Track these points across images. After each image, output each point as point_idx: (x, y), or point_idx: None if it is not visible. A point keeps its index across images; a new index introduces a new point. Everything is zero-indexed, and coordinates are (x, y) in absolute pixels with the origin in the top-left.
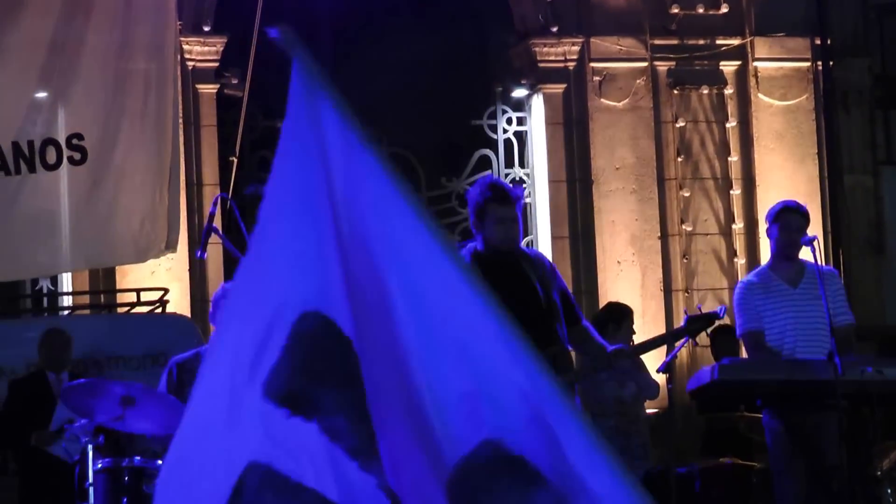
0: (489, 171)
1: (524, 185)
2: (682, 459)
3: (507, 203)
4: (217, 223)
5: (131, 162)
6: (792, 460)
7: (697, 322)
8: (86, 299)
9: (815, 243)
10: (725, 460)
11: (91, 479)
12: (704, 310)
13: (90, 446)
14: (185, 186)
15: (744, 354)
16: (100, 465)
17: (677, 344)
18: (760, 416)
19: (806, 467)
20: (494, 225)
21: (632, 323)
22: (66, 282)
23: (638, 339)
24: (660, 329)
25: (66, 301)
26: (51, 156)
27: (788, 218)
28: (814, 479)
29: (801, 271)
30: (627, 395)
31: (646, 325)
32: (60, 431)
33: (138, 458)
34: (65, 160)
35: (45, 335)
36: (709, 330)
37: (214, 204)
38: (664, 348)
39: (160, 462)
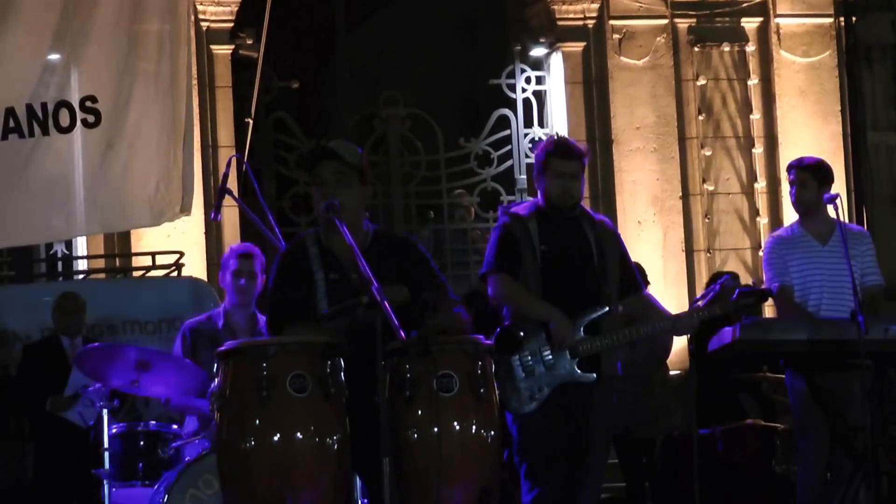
0: (507, 132)
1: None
2: (705, 421)
3: (568, 158)
4: (233, 185)
5: (145, 124)
6: (814, 421)
7: (749, 297)
8: (101, 263)
9: (838, 201)
10: (748, 422)
11: (106, 444)
12: (725, 270)
13: (105, 411)
14: (200, 148)
15: (767, 315)
16: (115, 430)
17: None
18: (783, 376)
19: (829, 428)
20: (554, 179)
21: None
22: (81, 246)
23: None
24: (681, 290)
25: (81, 265)
26: (64, 118)
27: (795, 175)
28: (837, 439)
29: (832, 229)
30: (639, 357)
31: (667, 287)
32: (76, 396)
33: (154, 422)
34: (78, 123)
35: (59, 300)
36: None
37: (228, 165)
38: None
39: (175, 426)
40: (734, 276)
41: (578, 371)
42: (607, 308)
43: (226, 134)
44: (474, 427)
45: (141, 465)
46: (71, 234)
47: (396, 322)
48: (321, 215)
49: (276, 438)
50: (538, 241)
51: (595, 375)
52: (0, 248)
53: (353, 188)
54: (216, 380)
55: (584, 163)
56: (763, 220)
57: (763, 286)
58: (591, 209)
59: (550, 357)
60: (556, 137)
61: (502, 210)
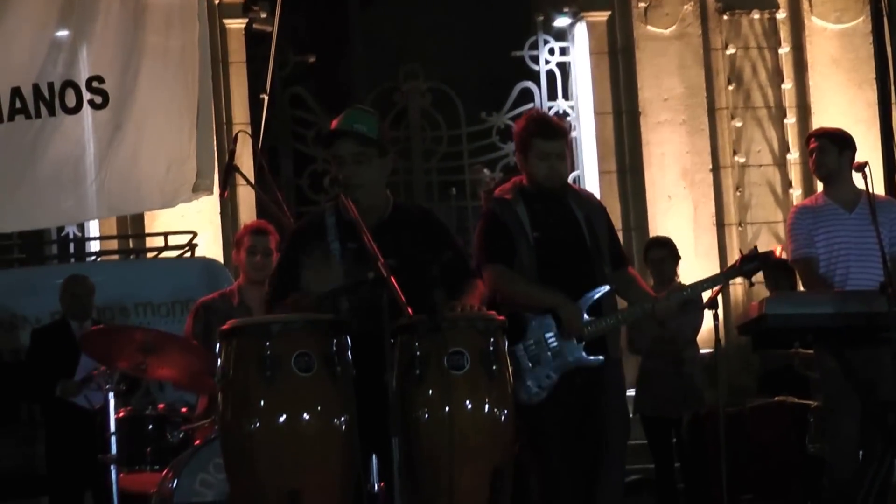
0: (531, 105)
1: (569, 118)
2: (739, 399)
3: (551, 138)
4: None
5: (155, 103)
6: (845, 396)
7: (751, 262)
8: (113, 244)
9: (867, 169)
10: (777, 399)
11: (112, 429)
12: (760, 246)
13: (111, 395)
14: (215, 126)
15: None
16: (122, 414)
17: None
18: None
19: (860, 404)
20: (538, 161)
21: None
22: (94, 227)
23: (690, 274)
24: (713, 265)
25: (93, 247)
26: (70, 99)
27: (812, 143)
28: (868, 415)
29: (858, 197)
30: (668, 335)
31: (698, 261)
32: (85, 381)
33: (162, 405)
34: (85, 104)
35: (67, 283)
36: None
37: (234, 140)
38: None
39: (184, 410)
40: (754, 250)
41: (585, 355)
42: (607, 288)
43: (240, 111)
44: (487, 405)
45: (149, 449)
46: (82, 217)
47: (404, 298)
48: (328, 190)
49: (281, 420)
50: (530, 227)
51: (602, 358)
52: (10, 231)
53: (372, 165)
54: (219, 360)
55: (568, 140)
56: (796, 192)
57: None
58: (619, 183)
59: (556, 343)
60: (534, 114)
61: (486, 195)
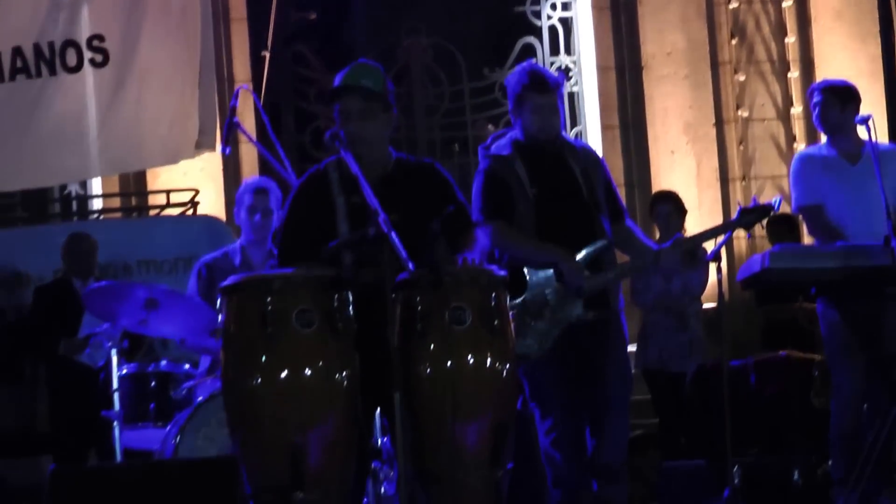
0: (533, 60)
1: (570, 74)
2: (743, 354)
3: (545, 91)
4: (249, 119)
5: (156, 61)
6: (849, 351)
7: (751, 214)
8: (116, 202)
9: (871, 122)
10: (782, 353)
11: (115, 386)
12: (762, 200)
13: (114, 352)
14: (216, 83)
15: (805, 241)
16: (125, 371)
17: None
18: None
19: (863, 358)
20: (532, 114)
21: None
22: (96, 185)
23: (694, 229)
24: (717, 220)
25: (96, 204)
26: (71, 58)
27: (815, 97)
28: (872, 369)
29: (862, 149)
30: (674, 289)
31: (702, 217)
32: (89, 338)
33: (164, 362)
34: (86, 63)
35: (69, 241)
36: (764, 221)
37: (235, 96)
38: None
39: (188, 366)
40: (754, 202)
41: (586, 310)
42: (606, 241)
43: (242, 69)
44: (489, 360)
45: (153, 406)
46: (84, 175)
47: (405, 253)
48: (327, 145)
49: (283, 376)
50: (527, 182)
51: (603, 312)
52: (12, 189)
53: (377, 120)
54: (220, 316)
55: (561, 93)
56: (800, 146)
57: (792, 205)
58: (622, 138)
59: (556, 298)
60: (528, 68)
61: (483, 151)
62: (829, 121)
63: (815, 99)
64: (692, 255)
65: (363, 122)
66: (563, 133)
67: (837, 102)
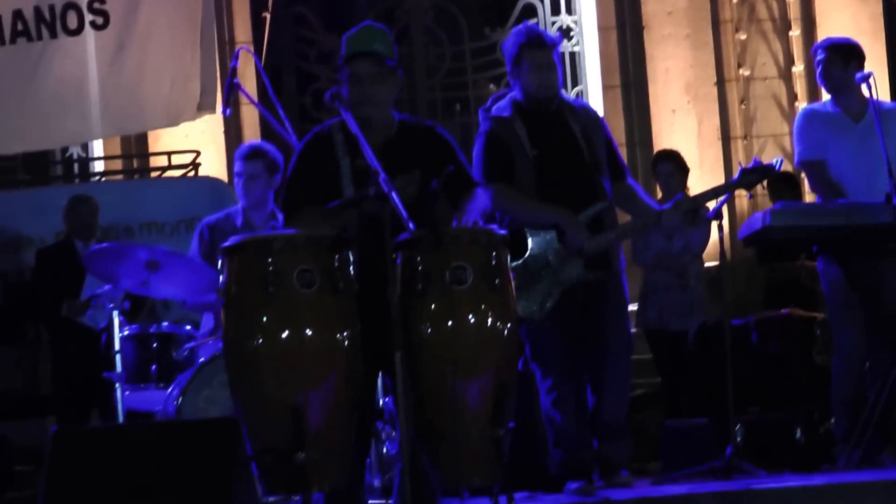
0: (534, 20)
1: (571, 34)
2: (744, 312)
3: (542, 48)
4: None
5: (157, 23)
6: (850, 308)
7: (752, 174)
8: (117, 164)
9: (872, 80)
10: (784, 311)
11: (117, 347)
12: (764, 158)
13: (116, 313)
14: (218, 46)
15: (806, 199)
16: (126, 332)
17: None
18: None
19: (865, 316)
20: (530, 72)
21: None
22: (98, 148)
23: (696, 188)
24: (719, 179)
25: (98, 167)
26: (72, 20)
27: (818, 55)
28: (873, 327)
29: (865, 107)
30: (675, 248)
31: (704, 176)
32: (91, 300)
33: (167, 323)
34: (87, 25)
35: (71, 203)
36: (765, 182)
37: (235, 58)
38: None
39: (188, 327)
40: (756, 163)
41: (587, 270)
42: (607, 201)
43: (243, 30)
44: (490, 320)
45: (154, 367)
46: (86, 137)
47: (406, 213)
48: (327, 105)
49: (284, 336)
50: (527, 144)
51: (604, 273)
52: (14, 152)
53: (386, 84)
54: (221, 277)
55: (558, 51)
56: (801, 105)
57: (795, 159)
58: (623, 98)
59: (557, 259)
60: (525, 27)
61: (483, 114)
62: (832, 78)
63: (819, 57)
64: (694, 214)
65: (374, 86)
66: (563, 93)
67: (840, 60)
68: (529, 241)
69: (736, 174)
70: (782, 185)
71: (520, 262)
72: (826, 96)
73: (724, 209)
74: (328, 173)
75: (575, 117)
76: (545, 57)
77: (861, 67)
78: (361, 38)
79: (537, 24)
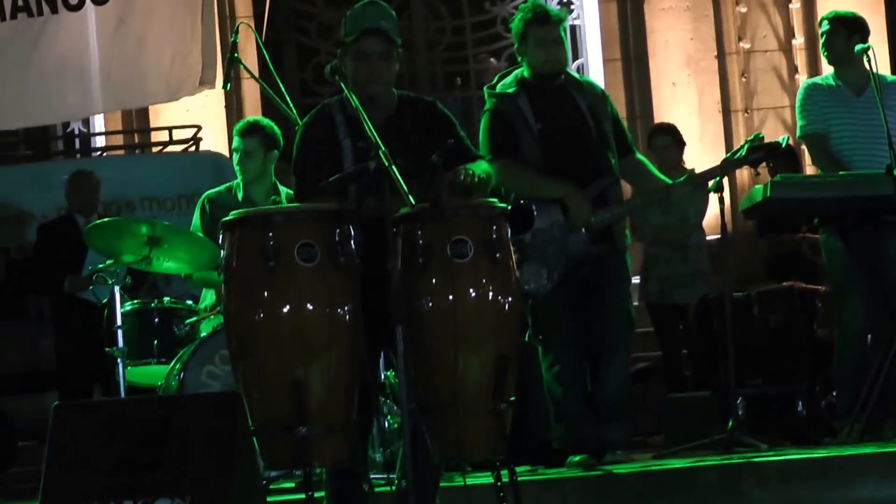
0: None
1: (572, 7)
2: (746, 285)
3: (548, 23)
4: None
5: None
6: (851, 279)
7: (758, 152)
8: (118, 139)
9: (870, 52)
10: (785, 284)
11: (119, 322)
12: (766, 132)
13: (117, 288)
14: (218, 20)
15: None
16: (128, 308)
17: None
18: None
19: (866, 286)
20: (536, 48)
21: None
22: (99, 123)
23: (696, 161)
24: (719, 151)
25: (99, 142)
26: None
27: (822, 27)
28: (875, 299)
29: (868, 81)
30: (672, 220)
31: (705, 148)
32: (92, 275)
33: (168, 298)
34: (87, 0)
35: (72, 178)
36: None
37: (235, 33)
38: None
39: (189, 302)
40: (759, 137)
41: (591, 245)
42: (612, 177)
43: (243, 4)
44: (491, 293)
45: (156, 342)
46: (87, 112)
47: (407, 188)
48: (328, 79)
49: (285, 310)
50: (532, 119)
51: (608, 248)
52: (15, 127)
53: (392, 62)
54: (222, 251)
55: (564, 26)
56: (802, 77)
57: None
58: (623, 71)
59: (562, 233)
60: (531, 4)
61: (488, 91)
62: (835, 51)
63: (823, 28)
64: (702, 188)
65: (382, 64)
66: (570, 70)
67: (843, 32)
68: (535, 214)
69: (741, 148)
70: (782, 159)
71: (525, 235)
72: (827, 70)
73: (725, 181)
74: (330, 154)
75: (581, 93)
76: (550, 32)
77: (865, 40)
78: (370, 15)
79: None
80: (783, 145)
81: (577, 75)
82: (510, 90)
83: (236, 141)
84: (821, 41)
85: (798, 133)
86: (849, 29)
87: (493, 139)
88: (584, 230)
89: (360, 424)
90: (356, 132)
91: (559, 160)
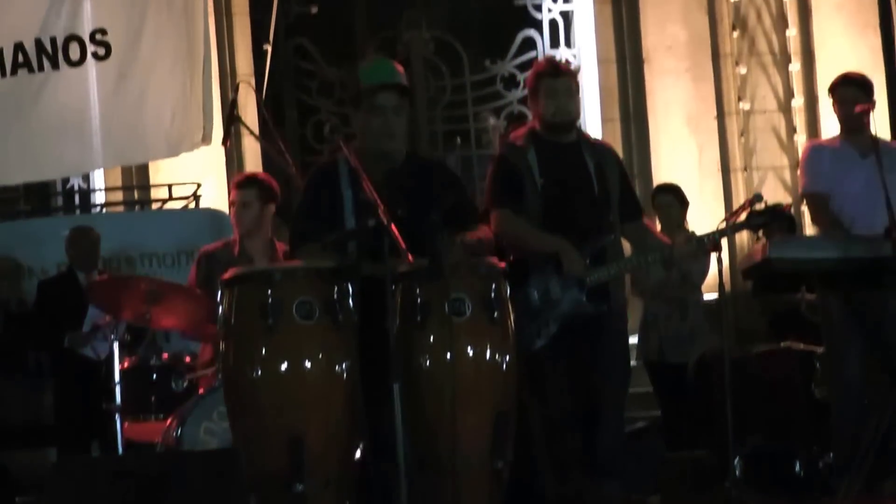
0: (534, 53)
1: (572, 66)
2: (745, 344)
3: (558, 75)
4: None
5: (159, 54)
6: (849, 339)
7: (760, 216)
8: (118, 195)
9: (872, 114)
10: (783, 344)
11: (117, 378)
12: (765, 191)
13: (116, 345)
14: (219, 77)
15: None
16: (126, 364)
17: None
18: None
19: (864, 346)
20: (547, 97)
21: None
22: (99, 178)
23: (696, 220)
24: (719, 211)
25: (99, 198)
26: (74, 52)
27: (843, 91)
28: (872, 359)
29: (871, 143)
30: (673, 278)
31: (704, 207)
32: (93, 331)
33: (166, 355)
34: (89, 56)
35: (72, 234)
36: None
37: (235, 91)
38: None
39: (188, 359)
40: (759, 197)
41: (587, 302)
42: (612, 235)
43: (244, 62)
44: (488, 351)
45: (154, 398)
46: (87, 167)
47: (405, 245)
48: (327, 138)
49: (283, 367)
50: (537, 172)
51: (603, 305)
52: (16, 182)
53: (404, 116)
54: (220, 308)
55: (576, 80)
56: (801, 138)
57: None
58: (622, 131)
59: (558, 290)
60: (543, 60)
61: (501, 140)
62: (846, 117)
63: (838, 90)
64: (702, 249)
65: (396, 118)
66: (583, 129)
67: (862, 96)
68: (532, 269)
69: (743, 214)
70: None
71: (522, 289)
72: (826, 130)
73: (724, 241)
74: (332, 205)
75: (591, 152)
76: (561, 84)
77: (874, 104)
78: (385, 70)
79: (536, 57)
80: (784, 210)
81: (589, 136)
82: (520, 142)
83: (232, 193)
84: (835, 104)
85: (801, 192)
86: (867, 92)
87: (497, 188)
88: (578, 287)
89: (359, 480)
90: (358, 184)
91: (559, 215)
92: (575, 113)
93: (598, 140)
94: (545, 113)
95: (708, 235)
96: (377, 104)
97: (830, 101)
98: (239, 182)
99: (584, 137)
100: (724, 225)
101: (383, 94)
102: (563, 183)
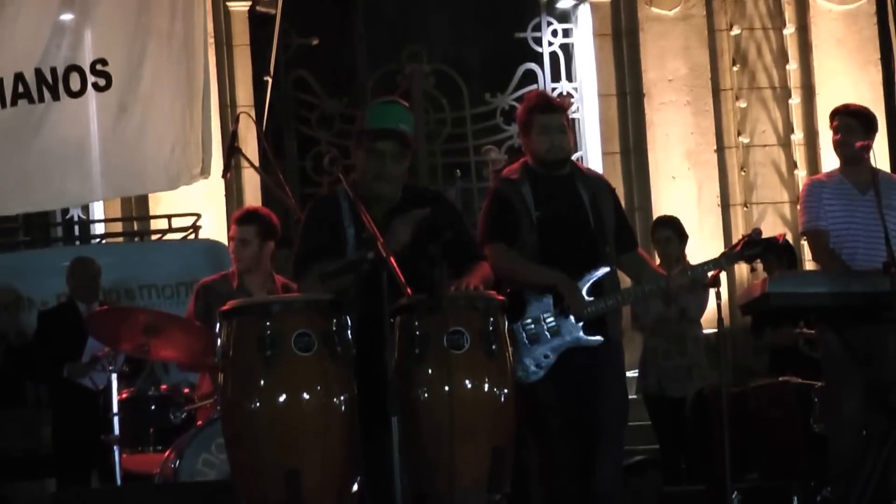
0: (535, 86)
1: (572, 100)
2: (743, 379)
3: (551, 111)
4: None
5: (159, 86)
6: (847, 375)
7: (755, 247)
8: (118, 227)
9: (867, 148)
10: (781, 379)
11: (115, 409)
12: (765, 227)
13: (114, 376)
14: (219, 108)
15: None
16: (125, 395)
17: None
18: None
19: (862, 382)
20: (539, 134)
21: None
22: (98, 209)
23: (695, 254)
24: (718, 245)
25: (98, 229)
26: (75, 83)
27: (840, 121)
28: (871, 394)
29: (871, 178)
30: (672, 313)
31: (703, 242)
32: (93, 362)
33: (165, 386)
34: (89, 87)
35: (73, 265)
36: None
37: (235, 122)
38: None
39: (187, 391)
40: (758, 232)
41: (584, 335)
42: (608, 268)
43: (244, 93)
44: (486, 385)
45: (152, 430)
46: (86, 199)
47: (403, 278)
48: (327, 170)
49: (281, 399)
50: (532, 205)
51: (600, 338)
52: (15, 213)
53: (403, 162)
54: (218, 340)
55: (568, 115)
56: (801, 173)
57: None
58: (623, 164)
59: (554, 323)
60: (533, 94)
61: (494, 175)
62: (852, 148)
63: (839, 123)
64: (700, 282)
65: (395, 164)
66: (578, 162)
67: (862, 131)
68: (528, 302)
69: (739, 244)
70: (781, 254)
71: (518, 324)
72: (826, 165)
73: (723, 276)
74: (334, 240)
75: (586, 184)
76: (554, 120)
77: (874, 138)
78: (389, 115)
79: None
80: (781, 242)
81: (584, 168)
82: (514, 176)
83: (232, 228)
84: (835, 137)
85: (801, 228)
86: (867, 126)
87: (490, 222)
88: (575, 319)
89: None
90: (360, 220)
91: (555, 248)
92: (569, 149)
93: (591, 171)
94: (538, 150)
95: (703, 265)
96: (376, 149)
97: (830, 129)
98: (239, 218)
99: (577, 168)
100: (709, 263)
101: (383, 142)
102: (558, 215)
